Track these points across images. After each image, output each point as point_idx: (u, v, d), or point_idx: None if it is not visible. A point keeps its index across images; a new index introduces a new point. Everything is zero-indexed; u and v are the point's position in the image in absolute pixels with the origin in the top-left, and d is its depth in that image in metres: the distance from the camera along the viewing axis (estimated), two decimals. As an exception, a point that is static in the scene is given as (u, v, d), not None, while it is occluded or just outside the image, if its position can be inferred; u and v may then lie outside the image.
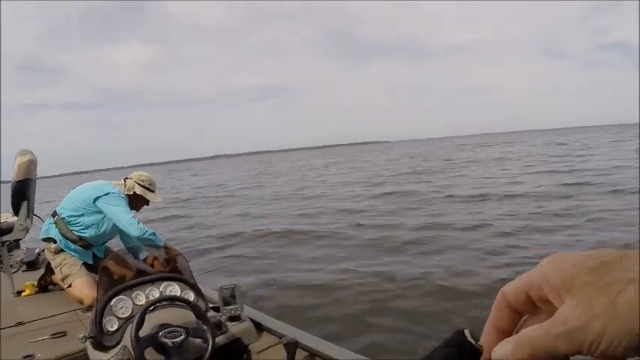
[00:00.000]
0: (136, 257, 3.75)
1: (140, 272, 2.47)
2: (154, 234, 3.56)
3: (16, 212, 3.89)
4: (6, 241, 4.03)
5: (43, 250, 4.31)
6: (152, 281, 2.35)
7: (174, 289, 2.37)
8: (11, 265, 4.19)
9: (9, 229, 3.90)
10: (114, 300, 2.20)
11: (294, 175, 32.20)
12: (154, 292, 2.32)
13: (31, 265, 4.68)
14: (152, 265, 3.62)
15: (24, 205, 3.85)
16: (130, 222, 3.50)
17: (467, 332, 0.45)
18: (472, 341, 0.45)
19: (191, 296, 2.36)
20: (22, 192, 3.84)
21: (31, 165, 3.84)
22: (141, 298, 2.27)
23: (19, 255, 4.99)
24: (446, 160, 32.69)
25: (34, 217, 4.09)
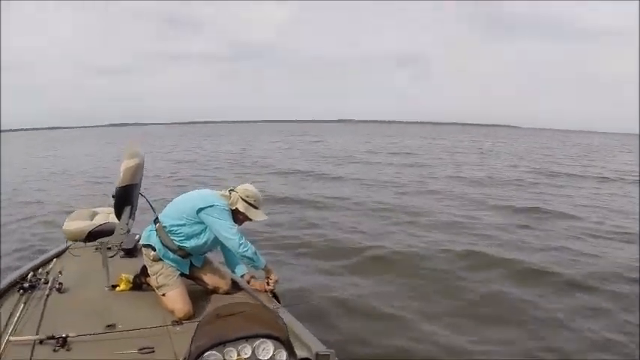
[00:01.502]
0: (233, 271, 3.80)
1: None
2: (255, 253, 3.50)
3: (118, 216, 3.92)
4: (106, 242, 4.05)
5: None
6: (246, 338, 2.28)
7: (268, 348, 2.30)
8: (109, 248, 4.19)
9: (110, 231, 3.98)
10: (205, 354, 2.17)
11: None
12: (247, 350, 2.27)
13: (129, 253, 4.57)
14: (248, 282, 3.74)
15: (127, 210, 3.91)
16: (232, 237, 3.44)
17: None
18: None
19: (283, 357, 2.31)
20: (125, 197, 3.89)
21: (138, 169, 3.84)
22: (232, 354, 2.24)
23: (118, 239, 5.02)
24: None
25: (140, 198, 4.18)
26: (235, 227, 3.48)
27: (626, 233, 9.94)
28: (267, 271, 3.62)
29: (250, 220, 3.61)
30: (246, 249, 3.44)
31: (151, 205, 4.20)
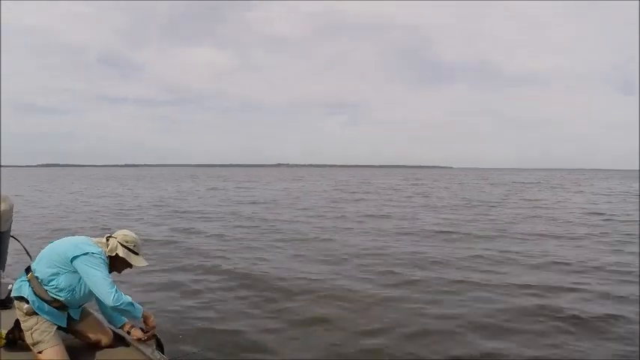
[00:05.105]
0: (112, 322, 3.54)
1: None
2: (131, 304, 3.27)
3: None
4: None
5: None
6: None
7: None
8: None
9: None
10: None
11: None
12: None
13: (2, 304, 4.11)
14: (128, 333, 3.50)
15: None
16: (106, 290, 3.16)
17: None
18: None
19: None
20: None
21: (6, 215, 3.48)
22: None
23: None
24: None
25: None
26: (110, 279, 3.23)
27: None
28: (146, 317, 3.43)
29: (130, 267, 3.41)
30: (120, 302, 3.18)
31: (27, 251, 3.85)
